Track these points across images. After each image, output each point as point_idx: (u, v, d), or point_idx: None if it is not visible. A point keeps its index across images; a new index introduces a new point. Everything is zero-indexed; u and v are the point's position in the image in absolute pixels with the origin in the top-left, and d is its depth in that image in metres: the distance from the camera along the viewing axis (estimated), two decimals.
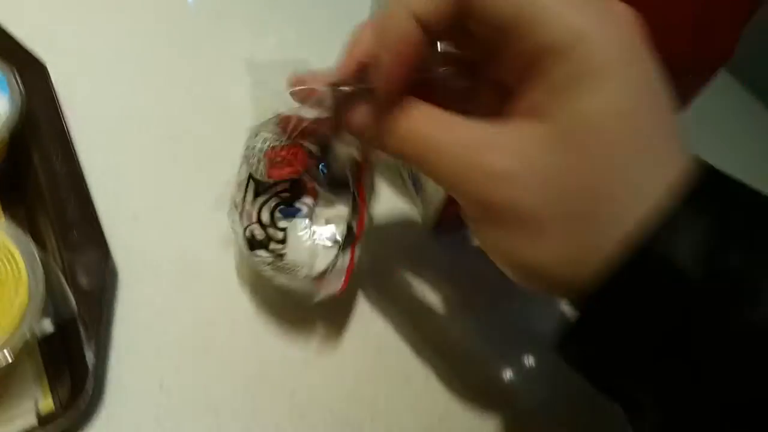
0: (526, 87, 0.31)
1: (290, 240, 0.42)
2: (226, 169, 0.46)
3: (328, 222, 0.42)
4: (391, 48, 0.32)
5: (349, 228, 0.42)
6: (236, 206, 0.43)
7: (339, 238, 0.41)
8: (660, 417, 0.30)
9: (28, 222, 0.48)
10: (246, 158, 0.43)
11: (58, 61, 0.57)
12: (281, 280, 0.42)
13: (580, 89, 0.29)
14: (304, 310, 0.48)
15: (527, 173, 0.30)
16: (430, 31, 0.31)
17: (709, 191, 0.29)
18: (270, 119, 0.42)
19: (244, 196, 0.43)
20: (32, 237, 0.45)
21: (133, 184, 0.53)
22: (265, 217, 0.42)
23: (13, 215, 0.48)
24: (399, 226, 0.56)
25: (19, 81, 0.48)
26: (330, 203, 0.42)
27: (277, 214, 0.43)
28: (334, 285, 0.41)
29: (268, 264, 0.41)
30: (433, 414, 0.45)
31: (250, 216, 0.42)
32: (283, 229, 0.42)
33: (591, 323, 0.30)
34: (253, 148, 0.42)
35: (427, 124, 0.32)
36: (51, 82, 0.54)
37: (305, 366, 0.46)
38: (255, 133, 0.42)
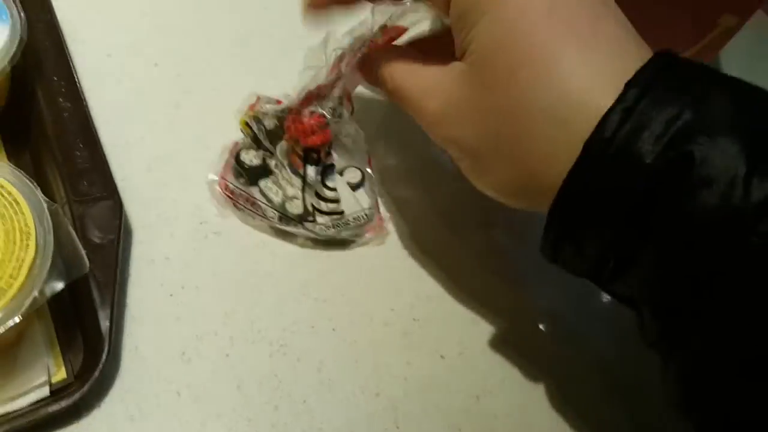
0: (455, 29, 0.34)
1: (342, 195, 0.44)
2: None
3: (345, 171, 0.46)
4: None
5: (362, 171, 0.46)
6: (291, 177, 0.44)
7: (366, 179, 0.46)
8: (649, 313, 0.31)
9: (33, 168, 0.43)
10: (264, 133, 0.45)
11: None
12: (346, 233, 0.44)
13: (481, 16, 0.31)
14: (331, 276, 0.44)
15: (454, 112, 0.33)
16: None
17: (665, 79, 0.29)
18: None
19: (305, 169, 0.44)
20: (39, 185, 0.40)
21: (145, 130, 0.48)
22: (317, 182, 0.44)
23: (18, 162, 0.43)
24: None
25: (20, 8, 0.43)
26: (340, 155, 0.46)
27: (326, 178, 0.45)
28: (379, 219, 0.46)
29: (330, 226, 0.43)
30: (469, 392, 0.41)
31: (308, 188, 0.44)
32: (333, 189, 0.44)
33: (562, 218, 0.31)
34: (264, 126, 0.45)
35: (399, 70, 0.37)
36: (53, 10, 0.49)
37: (334, 337, 0.41)
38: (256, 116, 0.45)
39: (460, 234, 0.47)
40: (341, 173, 0.46)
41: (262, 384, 0.39)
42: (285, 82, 0.45)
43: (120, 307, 0.40)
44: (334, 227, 0.43)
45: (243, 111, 0.45)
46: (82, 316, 0.38)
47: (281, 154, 0.44)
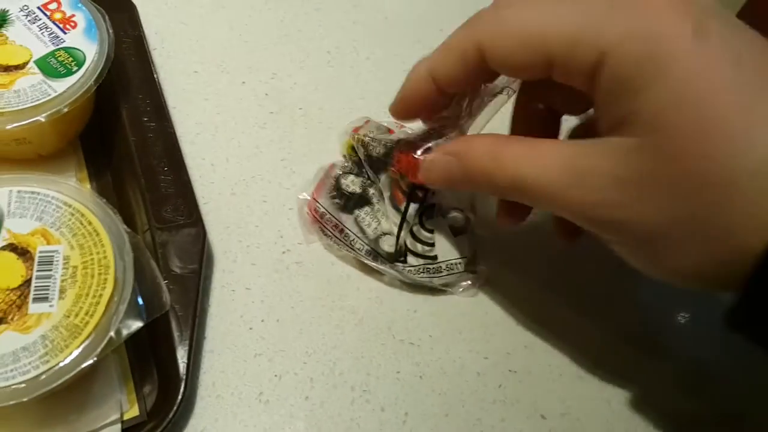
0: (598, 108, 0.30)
1: (438, 240, 0.41)
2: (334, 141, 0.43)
3: (448, 213, 0.42)
4: (404, 95, 0.36)
5: (465, 215, 0.42)
6: (389, 211, 0.41)
7: (470, 224, 0.42)
8: None
9: (115, 191, 0.42)
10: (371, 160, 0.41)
11: (148, 2, 0.50)
12: (439, 281, 0.41)
13: (651, 80, 0.27)
14: (419, 317, 0.41)
15: (620, 195, 0.28)
16: (443, 86, 0.34)
17: None
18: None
19: (407, 206, 0.40)
20: (120, 212, 0.39)
21: (230, 152, 0.46)
22: (416, 223, 0.41)
23: (99, 184, 0.42)
24: None
25: (109, 25, 0.42)
26: (446, 196, 0.42)
27: (424, 217, 0.41)
28: (480, 269, 0.42)
29: (425, 270, 0.40)
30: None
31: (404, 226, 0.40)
32: (431, 231, 0.41)
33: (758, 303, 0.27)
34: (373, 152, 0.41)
35: (514, 157, 0.32)
36: (141, 26, 0.48)
37: (421, 385, 0.38)
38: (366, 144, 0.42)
39: (567, 282, 0.43)
40: (444, 215, 0.42)
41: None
42: (377, 107, 0.43)
43: (198, 341, 0.38)
44: (425, 272, 0.40)
45: (348, 133, 0.42)
46: (159, 350, 0.36)
47: (384, 186, 0.41)
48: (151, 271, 0.34)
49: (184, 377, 0.34)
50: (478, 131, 0.38)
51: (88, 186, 0.42)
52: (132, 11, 0.48)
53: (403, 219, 0.40)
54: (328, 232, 0.41)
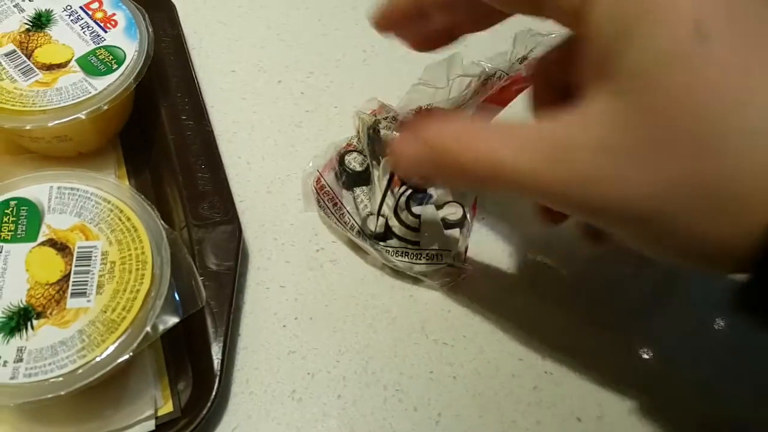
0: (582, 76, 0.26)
1: (424, 226, 0.40)
2: None
3: (446, 206, 0.41)
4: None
5: (464, 210, 0.41)
6: (376, 187, 0.41)
7: (466, 220, 0.41)
8: None
9: (153, 188, 0.42)
10: (374, 142, 0.42)
11: (188, 1, 0.51)
12: (419, 268, 0.40)
13: (625, 42, 0.24)
14: (453, 316, 0.40)
15: (612, 166, 0.25)
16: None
17: None
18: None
19: (388, 183, 0.40)
20: (158, 207, 0.39)
21: (267, 150, 0.46)
22: (401, 205, 0.40)
23: (138, 180, 0.43)
24: None
25: (149, 24, 0.42)
26: (445, 188, 0.42)
27: (411, 202, 0.40)
28: (462, 266, 0.41)
29: (405, 254, 0.40)
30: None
31: (386, 204, 0.40)
32: (417, 216, 0.40)
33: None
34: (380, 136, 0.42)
35: (479, 140, 0.27)
36: (180, 25, 0.48)
37: (455, 386, 0.38)
38: (372, 124, 0.42)
39: (610, 282, 0.43)
40: (441, 206, 0.41)
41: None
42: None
43: (233, 337, 0.38)
44: (404, 255, 0.40)
45: (365, 114, 0.43)
46: (194, 346, 0.36)
47: (384, 169, 0.41)
48: (187, 267, 0.35)
49: (218, 374, 0.34)
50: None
51: (127, 183, 0.42)
52: (171, 11, 0.49)
53: (383, 198, 0.40)
54: (323, 204, 0.42)
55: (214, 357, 0.35)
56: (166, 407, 0.35)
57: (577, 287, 0.42)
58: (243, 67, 0.50)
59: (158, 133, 0.43)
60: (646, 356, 0.39)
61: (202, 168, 0.41)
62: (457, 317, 0.40)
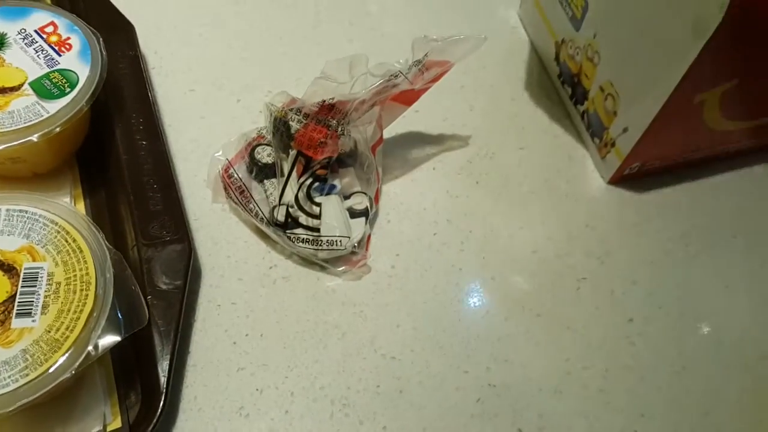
0: None
1: (325, 215, 0.42)
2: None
3: (353, 196, 0.44)
4: None
5: (370, 200, 0.44)
6: (280, 179, 0.43)
7: (370, 209, 0.44)
8: None
9: (108, 209, 0.43)
10: (282, 135, 0.43)
11: (147, 21, 0.52)
12: (322, 255, 0.42)
13: None
14: (402, 331, 0.41)
15: None
16: None
17: None
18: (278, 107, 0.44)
19: (290, 172, 0.43)
20: (112, 227, 0.40)
21: None
22: (302, 194, 0.43)
23: (93, 200, 0.43)
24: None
25: (103, 47, 0.43)
26: (351, 178, 0.45)
27: (313, 192, 0.43)
28: (362, 253, 0.43)
29: (306, 241, 0.42)
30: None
31: (288, 193, 0.43)
32: (319, 205, 0.43)
33: None
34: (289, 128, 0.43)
35: None
36: (138, 45, 0.49)
37: (401, 399, 0.39)
38: (281, 116, 0.43)
39: (553, 292, 0.44)
40: (348, 196, 0.44)
41: None
42: None
43: (182, 355, 0.39)
44: (306, 242, 0.42)
45: (276, 107, 0.44)
46: (142, 363, 0.37)
47: (290, 159, 0.43)
48: (132, 287, 0.35)
49: (164, 390, 0.35)
50: (373, 119, 0.43)
51: (83, 203, 0.43)
52: (130, 31, 0.50)
53: (284, 187, 0.42)
54: (231, 194, 0.43)
55: (161, 374, 0.36)
56: (115, 423, 0.36)
57: (514, 297, 0.43)
58: (202, 86, 0.51)
59: (113, 153, 0.44)
60: (586, 367, 0.40)
61: (153, 188, 0.42)
62: (405, 331, 0.41)
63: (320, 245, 0.42)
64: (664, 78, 0.39)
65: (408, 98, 0.44)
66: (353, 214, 0.44)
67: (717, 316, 0.43)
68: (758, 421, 0.40)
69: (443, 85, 0.44)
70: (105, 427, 0.35)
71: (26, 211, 0.36)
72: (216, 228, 0.44)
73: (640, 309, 0.43)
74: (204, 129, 0.49)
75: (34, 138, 0.39)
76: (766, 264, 0.45)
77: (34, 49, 0.42)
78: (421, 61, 0.41)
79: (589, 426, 0.39)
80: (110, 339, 0.33)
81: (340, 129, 0.42)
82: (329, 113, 0.42)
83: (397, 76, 0.41)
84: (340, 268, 0.43)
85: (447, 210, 0.47)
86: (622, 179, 0.48)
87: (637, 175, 0.48)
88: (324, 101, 0.42)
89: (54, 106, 0.40)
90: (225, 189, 0.44)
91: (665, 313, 0.43)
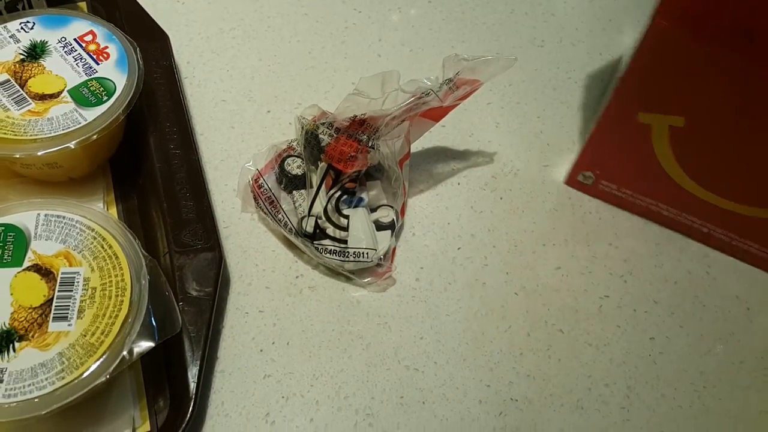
0: None
1: (353, 227, 0.43)
2: None
3: (380, 209, 0.45)
4: None
5: (396, 213, 0.45)
6: (309, 190, 0.44)
7: (396, 222, 0.45)
8: None
9: (140, 216, 0.44)
10: (313, 147, 0.44)
11: (180, 31, 0.53)
12: (348, 266, 0.43)
13: None
14: (425, 343, 0.42)
15: None
16: None
17: None
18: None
19: (320, 185, 0.43)
20: (144, 233, 0.41)
21: None
22: (331, 206, 0.43)
23: (126, 207, 0.44)
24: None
25: (140, 57, 0.44)
26: (378, 191, 0.46)
27: (341, 204, 0.44)
28: (387, 266, 0.44)
29: (334, 252, 0.43)
30: None
31: (318, 205, 0.43)
32: (347, 217, 0.43)
33: None
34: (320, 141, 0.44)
35: None
36: (173, 55, 0.50)
37: (423, 411, 0.40)
38: (312, 129, 0.44)
39: (576, 309, 0.44)
40: (375, 209, 0.45)
41: None
42: None
43: (210, 361, 0.39)
44: (333, 253, 0.42)
45: (308, 120, 0.45)
46: (172, 369, 0.38)
47: (320, 172, 0.43)
48: (166, 293, 0.36)
49: (193, 396, 0.36)
50: (401, 133, 0.44)
51: (115, 208, 0.44)
52: (165, 41, 0.51)
53: (314, 199, 0.43)
54: (261, 204, 0.44)
55: (191, 380, 0.36)
56: (144, 427, 0.36)
57: (536, 312, 0.43)
58: (233, 97, 0.52)
59: (146, 160, 0.45)
60: (608, 383, 0.41)
61: (186, 196, 0.42)
62: (429, 344, 0.42)
63: (347, 257, 0.42)
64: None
65: (436, 114, 0.45)
66: (380, 226, 0.44)
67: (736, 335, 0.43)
68: None
69: (470, 101, 0.44)
70: (134, 430, 0.36)
71: (63, 217, 0.37)
72: (245, 237, 0.45)
73: (660, 328, 0.43)
74: (234, 139, 0.50)
75: (72, 145, 0.40)
76: None
77: (73, 57, 0.43)
78: (452, 79, 0.42)
79: None
80: (144, 344, 0.34)
81: (370, 144, 0.43)
82: (360, 128, 0.43)
83: (428, 93, 0.42)
84: (366, 280, 0.44)
85: (471, 225, 0.48)
86: (587, 190, 0.49)
87: (596, 194, 0.49)
88: (356, 116, 0.43)
89: (91, 114, 0.41)
90: (255, 199, 0.44)
91: (686, 333, 0.43)
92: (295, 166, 0.45)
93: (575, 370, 0.41)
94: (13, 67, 0.43)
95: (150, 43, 0.49)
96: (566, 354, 0.42)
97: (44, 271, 0.35)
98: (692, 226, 0.46)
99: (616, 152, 0.45)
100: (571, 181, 0.49)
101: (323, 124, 0.44)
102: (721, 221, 0.45)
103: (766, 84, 0.36)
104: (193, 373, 0.37)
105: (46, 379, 0.32)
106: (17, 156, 0.39)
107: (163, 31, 0.51)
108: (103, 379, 0.32)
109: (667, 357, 0.42)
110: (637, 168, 0.45)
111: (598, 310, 0.44)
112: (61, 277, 0.35)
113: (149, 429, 0.36)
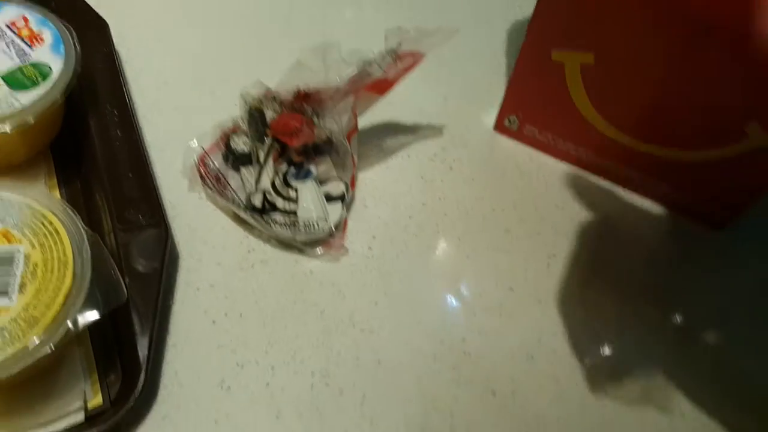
0: None
1: (302, 199, 0.44)
2: None
3: (329, 181, 0.45)
4: None
5: (346, 185, 0.45)
6: (256, 165, 0.44)
7: (346, 194, 0.45)
8: None
9: (84, 198, 0.44)
10: (258, 123, 0.44)
11: (121, 19, 0.52)
12: (300, 237, 0.43)
13: None
14: (379, 307, 0.42)
15: None
16: None
17: None
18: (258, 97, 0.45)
19: (266, 159, 0.44)
20: (88, 214, 0.41)
21: None
22: (279, 180, 0.44)
23: (69, 189, 0.44)
24: None
25: (76, 41, 0.44)
26: (328, 165, 0.46)
27: (289, 177, 0.44)
28: (339, 238, 0.45)
29: (284, 224, 0.43)
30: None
31: (265, 179, 0.44)
32: (296, 190, 0.44)
33: None
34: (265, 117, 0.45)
35: None
36: (112, 42, 0.50)
37: (379, 369, 0.40)
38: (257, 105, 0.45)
39: (525, 268, 0.45)
40: (324, 182, 0.45)
41: (302, 415, 0.38)
42: None
43: (161, 334, 0.39)
44: (283, 226, 0.43)
45: (252, 96, 0.45)
46: (122, 343, 0.38)
47: (266, 147, 0.44)
48: (109, 267, 0.36)
49: (144, 366, 0.36)
50: (348, 108, 0.44)
51: (57, 193, 0.44)
52: (104, 28, 0.50)
53: (260, 173, 0.43)
54: (208, 182, 0.44)
55: (140, 352, 0.36)
56: (96, 400, 0.36)
57: (488, 265, 0.44)
58: (176, 80, 0.52)
59: (88, 144, 0.44)
60: (557, 333, 0.42)
61: (128, 176, 0.42)
62: (383, 308, 0.42)
63: (298, 228, 0.43)
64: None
65: (381, 88, 0.45)
66: (330, 198, 0.45)
67: None
68: None
69: (417, 75, 0.45)
70: (86, 403, 0.36)
71: (1, 198, 0.37)
72: (193, 216, 0.45)
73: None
74: (179, 121, 0.50)
75: (7, 129, 0.39)
76: None
77: (5, 42, 0.43)
78: (394, 50, 0.42)
79: (559, 388, 0.40)
80: (89, 315, 0.34)
81: (315, 116, 0.43)
82: (304, 101, 0.43)
83: (370, 65, 0.42)
84: (318, 251, 0.44)
85: (422, 194, 0.48)
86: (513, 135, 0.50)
87: (523, 139, 0.50)
88: (299, 89, 0.43)
89: (27, 98, 0.40)
90: (201, 178, 0.44)
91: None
92: (241, 143, 0.45)
93: (526, 325, 0.42)
94: None
95: (89, 31, 0.48)
96: (517, 310, 0.43)
97: None
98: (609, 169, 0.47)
99: (535, 94, 0.46)
100: (499, 126, 0.50)
101: (267, 99, 0.44)
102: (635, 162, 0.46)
103: (669, 17, 0.37)
104: (142, 345, 0.36)
105: None
106: None
107: (101, 18, 0.51)
108: (48, 350, 0.32)
109: None
110: (555, 109, 0.46)
111: (546, 269, 0.45)
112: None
113: (101, 402, 0.36)
